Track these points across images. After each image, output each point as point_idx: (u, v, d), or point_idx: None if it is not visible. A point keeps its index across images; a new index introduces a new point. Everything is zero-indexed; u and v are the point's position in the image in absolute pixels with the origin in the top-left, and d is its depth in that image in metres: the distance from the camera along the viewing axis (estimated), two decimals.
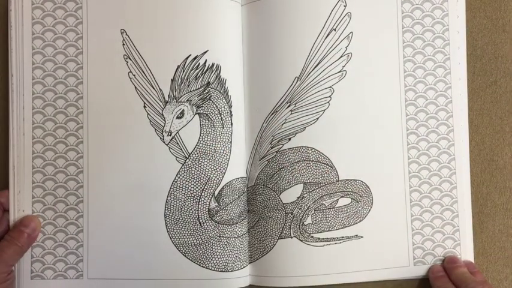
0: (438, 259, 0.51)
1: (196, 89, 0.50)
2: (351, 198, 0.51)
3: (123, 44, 0.50)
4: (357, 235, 0.50)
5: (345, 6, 0.51)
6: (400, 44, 0.51)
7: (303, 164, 0.51)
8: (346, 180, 0.51)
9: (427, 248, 0.51)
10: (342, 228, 0.50)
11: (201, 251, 0.50)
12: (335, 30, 0.50)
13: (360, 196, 0.51)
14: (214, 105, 0.50)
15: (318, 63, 0.50)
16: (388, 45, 0.51)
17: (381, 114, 0.51)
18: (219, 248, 0.50)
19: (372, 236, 0.50)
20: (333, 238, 0.50)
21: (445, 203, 0.51)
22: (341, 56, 0.50)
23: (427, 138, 0.51)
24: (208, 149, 0.50)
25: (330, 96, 0.50)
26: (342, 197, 0.51)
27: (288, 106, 0.50)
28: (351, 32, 0.51)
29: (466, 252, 0.51)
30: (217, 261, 0.50)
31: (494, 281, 0.52)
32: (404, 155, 0.51)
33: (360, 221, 0.51)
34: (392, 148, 0.51)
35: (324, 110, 0.50)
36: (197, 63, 0.50)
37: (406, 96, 0.51)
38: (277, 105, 0.50)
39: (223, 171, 0.50)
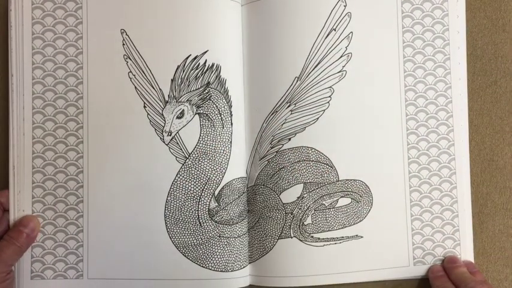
0: (438, 259, 0.51)
1: (196, 89, 0.50)
2: (351, 198, 0.51)
3: (123, 44, 0.50)
4: (356, 235, 0.50)
5: (345, 6, 0.50)
6: (400, 44, 0.51)
7: (303, 164, 0.50)
8: (346, 180, 0.50)
9: (427, 248, 0.51)
10: (342, 228, 0.50)
11: (201, 251, 0.50)
12: (335, 30, 0.50)
13: (360, 196, 0.51)
14: (214, 105, 0.50)
15: (318, 63, 0.50)
16: (388, 45, 0.51)
17: (380, 114, 0.51)
18: (219, 248, 0.50)
19: (371, 236, 0.50)
20: (333, 238, 0.50)
21: (445, 203, 0.51)
22: (341, 56, 0.50)
23: (427, 138, 0.51)
24: (208, 149, 0.50)
25: (330, 96, 0.50)
26: (342, 197, 0.51)
27: (288, 106, 0.50)
28: (351, 32, 0.51)
29: (466, 252, 0.51)
30: (217, 261, 0.49)
31: (494, 281, 0.52)
32: (404, 155, 0.51)
33: (360, 221, 0.50)
34: (392, 148, 0.51)
35: (324, 110, 0.50)
36: (197, 63, 0.50)
37: (406, 96, 0.51)
38: (277, 105, 0.50)
39: (223, 171, 0.50)
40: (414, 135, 0.51)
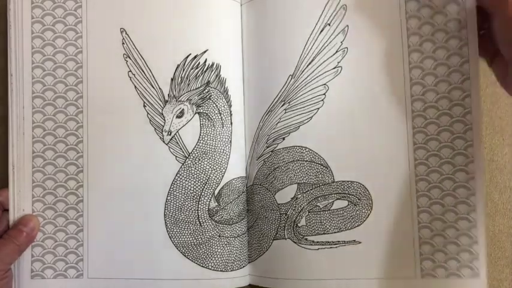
0: (451, 273, 0.46)
1: (196, 88, 0.50)
2: (348, 201, 0.48)
3: (123, 43, 0.50)
4: (354, 240, 0.48)
5: None
6: (404, 35, 0.47)
7: (297, 164, 0.49)
8: (343, 181, 0.48)
9: (438, 261, 0.46)
10: (338, 232, 0.48)
11: (201, 251, 0.50)
12: (329, 25, 0.49)
13: (358, 199, 0.48)
14: (214, 105, 0.50)
15: (312, 60, 0.49)
16: (388, 38, 0.47)
17: (382, 110, 0.47)
18: (218, 247, 0.50)
19: (371, 242, 0.47)
20: (328, 242, 0.48)
21: (460, 211, 0.46)
22: (336, 51, 0.48)
23: (439, 138, 0.46)
24: (208, 149, 0.50)
25: (324, 94, 0.49)
26: (337, 199, 0.49)
27: (282, 105, 0.50)
28: (347, 26, 0.48)
29: (484, 268, 0.46)
30: (217, 261, 0.49)
31: (494, 281, 0.52)
32: (410, 156, 0.47)
33: (358, 225, 0.48)
34: (395, 148, 0.47)
35: (318, 108, 0.49)
36: (197, 63, 0.50)
37: (412, 91, 0.47)
38: (272, 104, 0.50)
39: (223, 170, 0.50)
40: (422, 134, 0.47)
